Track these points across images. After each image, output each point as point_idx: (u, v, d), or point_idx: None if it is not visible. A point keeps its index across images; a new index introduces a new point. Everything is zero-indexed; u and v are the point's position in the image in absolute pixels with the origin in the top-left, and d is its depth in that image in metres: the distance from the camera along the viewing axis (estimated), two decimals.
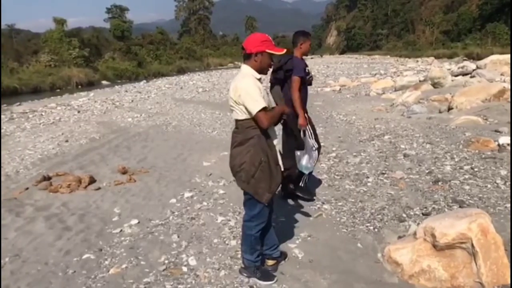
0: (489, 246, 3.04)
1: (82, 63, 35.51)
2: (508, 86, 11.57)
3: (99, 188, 5.55)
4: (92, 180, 5.76)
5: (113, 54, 43.09)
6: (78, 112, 13.55)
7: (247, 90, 2.77)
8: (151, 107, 14.40)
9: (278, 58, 4.24)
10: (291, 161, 3.81)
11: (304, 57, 4.65)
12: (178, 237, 3.96)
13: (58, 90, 27.22)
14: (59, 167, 6.70)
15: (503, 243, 3.11)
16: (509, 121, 8.52)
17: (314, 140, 4.49)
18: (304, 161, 3.91)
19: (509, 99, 10.17)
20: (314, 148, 4.14)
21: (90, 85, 30.41)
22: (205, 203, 4.82)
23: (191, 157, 7.13)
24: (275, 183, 2.93)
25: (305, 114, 4.46)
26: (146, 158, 7.19)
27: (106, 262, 3.54)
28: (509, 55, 17.48)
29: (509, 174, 5.20)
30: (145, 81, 30.70)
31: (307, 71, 4.55)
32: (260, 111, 2.75)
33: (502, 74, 15.17)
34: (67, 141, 8.80)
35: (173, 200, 4.99)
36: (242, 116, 2.84)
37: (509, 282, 2.97)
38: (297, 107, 4.32)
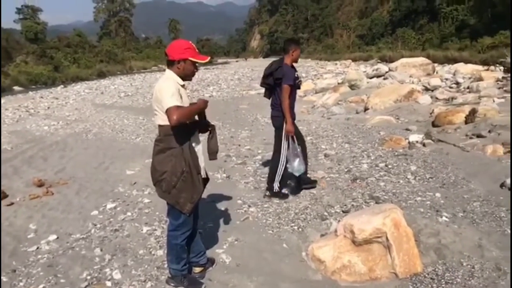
0: (401, 239, 3.28)
1: None
2: (416, 87, 12.54)
3: (11, 204, 5.15)
4: (4, 196, 5.33)
5: (26, 57, 40.17)
6: None
7: (165, 89, 2.72)
8: (70, 114, 13.66)
9: (273, 65, 4.74)
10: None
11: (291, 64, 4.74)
12: (101, 250, 3.80)
13: None
14: None
15: (413, 235, 3.38)
16: (417, 119, 9.25)
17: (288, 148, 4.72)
18: (296, 163, 4.53)
19: (418, 100, 11.02)
20: (282, 158, 4.68)
21: None
22: (129, 214, 4.67)
23: (114, 166, 6.88)
24: (197, 193, 2.91)
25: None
26: (65, 169, 6.81)
27: (21, 284, 3.31)
28: (415, 59, 18.96)
29: (418, 170, 5.64)
30: (62, 86, 29.06)
31: (296, 76, 4.72)
32: (172, 106, 2.64)
33: (410, 76, 16.42)
34: None
35: (95, 212, 4.78)
36: (164, 121, 2.79)
37: (419, 270, 3.22)
38: (286, 115, 4.59)
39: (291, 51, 4.69)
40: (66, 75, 38.94)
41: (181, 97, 2.77)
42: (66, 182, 6.01)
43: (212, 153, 3.13)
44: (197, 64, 2.90)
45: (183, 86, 2.88)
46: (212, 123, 3.15)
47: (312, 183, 5.17)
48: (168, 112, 2.65)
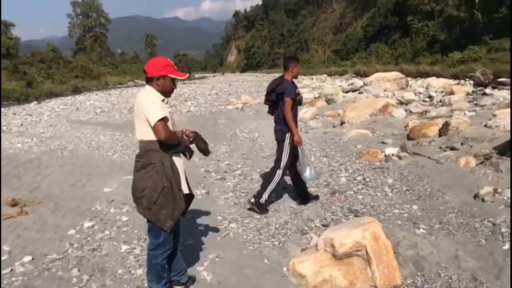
0: (380, 251, 3.33)
1: None
2: (391, 101, 12.83)
3: None
4: None
5: None
6: None
7: (149, 101, 2.77)
8: (44, 131, 13.36)
9: (274, 82, 4.97)
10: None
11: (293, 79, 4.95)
12: (79, 271, 3.71)
13: None
14: None
15: (392, 247, 3.43)
16: (393, 132, 9.44)
17: (286, 160, 4.88)
18: (307, 173, 4.71)
19: (393, 113, 11.26)
20: (280, 171, 4.84)
21: None
22: (107, 232, 4.59)
23: (90, 183, 6.75)
24: (178, 210, 2.90)
25: (289, 134, 4.81)
26: (40, 187, 6.64)
27: None
28: (389, 73, 19.42)
29: (394, 182, 5.75)
30: (36, 102, 28.43)
31: (297, 92, 4.88)
32: (159, 120, 2.71)
33: (385, 90, 16.79)
34: None
35: (72, 231, 4.66)
36: (146, 136, 2.80)
37: (399, 282, 3.27)
38: (291, 126, 4.75)
39: (291, 67, 4.86)
40: (39, 91, 38.13)
41: (161, 106, 2.80)
42: (41, 201, 5.86)
43: (203, 150, 3.12)
44: (176, 81, 2.92)
45: (163, 100, 2.89)
46: (194, 131, 3.12)
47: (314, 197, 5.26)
48: (156, 127, 2.71)
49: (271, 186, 4.87)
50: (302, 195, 5.18)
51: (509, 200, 4.66)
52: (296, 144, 4.79)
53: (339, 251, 3.33)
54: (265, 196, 4.89)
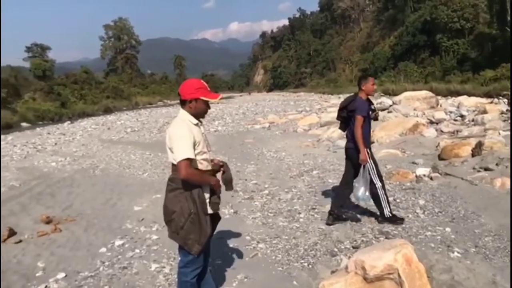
0: (413, 275, 3.23)
1: None
2: (421, 120, 12.61)
3: (20, 241, 5.14)
4: (11, 233, 5.32)
5: (34, 94, 40.89)
6: None
7: (177, 136, 2.80)
8: (77, 150, 13.77)
9: (347, 99, 5.15)
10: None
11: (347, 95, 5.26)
12: None
13: None
14: None
15: (425, 271, 3.33)
16: (424, 152, 9.25)
17: (376, 176, 4.91)
18: (360, 193, 4.73)
19: (423, 133, 11.06)
20: (378, 186, 4.86)
21: (8, 127, 28.28)
22: (137, 251, 4.65)
23: (121, 202, 6.88)
24: (204, 235, 2.89)
25: (367, 150, 4.86)
26: (72, 205, 6.81)
27: None
28: (419, 92, 19.15)
29: (426, 204, 5.61)
30: (69, 122, 29.41)
31: (373, 107, 5.11)
32: (183, 160, 2.74)
33: (415, 109, 16.53)
34: None
35: (103, 249, 4.75)
36: None
37: None
38: (359, 144, 4.79)
39: (361, 85, 4.99)
40: (72, 111, 39.51)
41: (194, 139, 2.82)
42: (74, 219, 6.01)
43: (227, 184, 3.14)
44: (209, 103, 2.96)
45: (196, 124, 2.93)
46: (223, 160, 3.18)
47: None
48: (179, 165, 2.75)
49: (383, 202, 4.91)
50: (333, 211, 5.14)
51: None
52: (361, 162, 4.81)
53: (370, 274, 3.26)
54: (386, 211, 4.91)
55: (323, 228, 5.00)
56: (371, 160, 4.90)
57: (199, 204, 2.86)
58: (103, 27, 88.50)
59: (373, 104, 5.12)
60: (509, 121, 11.29)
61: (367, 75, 5.56)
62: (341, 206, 5.19)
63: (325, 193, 6.52)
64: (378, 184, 4.89)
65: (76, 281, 3.98)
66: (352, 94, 5.23)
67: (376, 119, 5.30)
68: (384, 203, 4.91)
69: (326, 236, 4.73)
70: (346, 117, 5.08)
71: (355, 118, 4.84)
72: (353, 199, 5.24)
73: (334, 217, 5.12)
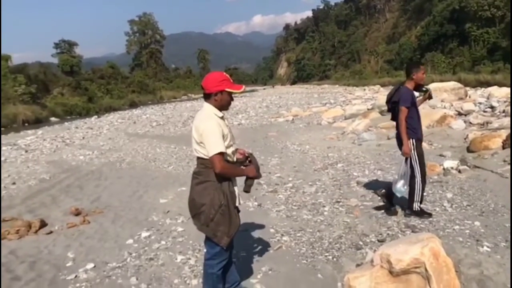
0: (441, 269, 3.17)
1: (29, 100, 34.27)
2: (449, 112, 12.32)
3: (51, 232, 5.31)
4: (43, 224, 5.50)
5: (62, 89, 41.98)
6: (26, 151, 12.95)
7: (208, 131, 2.81)
8: (104, 144, 14.06)
9: (393, 89, 4.99)
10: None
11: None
12: (137, 279, 3.84)
13: (3, 129, 25.94)
14: (5, 212, 6.34)
15: (453, 265, 3.27)
16: (451, 145, 9.04)
17: (418, 169, 4.79)
18: (399, 185, 4.66)
19: (451, 125, 10.82)
20: (417, 179, 4.75)
21: (38, 122, 29.21)
22: (163, 242, 4.72)
23: (147, 194, 7.00)
24: (234, 227, 2.92)
25: (413, 142, 4.77)
26: (100, 198, 6.98)
27: None
28: (447, 83, 18.70)
29: (454, 197, 5.49)
30: (96, 116, 30.04)
31: (424, 89, 4.99)
32: (216, 154, 2.77)
33: (442, 101, 16.14)
34: (14, 183, 8.37)
35: (130, 241, 4.85)
36: (206, 155, 2.85)
37: None
38: (402, 136, 4.74)
39: (412, 74, 4.81)
40: (99, 106, 40.40)
41: (223, 132, 2.85)
42: (102, 211, 6.15)
43: (256, 171, 3.11)
44: (233, 94, 2.97)
45: (222, 117, 2.95)
46: (249, 151, 3.19)
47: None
48: (212, 160, 2.78)
49: (416, 196, 4.82)
50: (388, 195, 5.09)
51: None
52: (403, 155, 4.75)
53: (396, 267, 3.22)
54: (416, 205, 4.84)
55: (348, 221, 4.96)
56: (415, 153, 4.78)
57: (229, 195, 2.89)
58: (128, 22, 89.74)
59: (422, 85, 4.93)
60: None
61: (418, 63, 5.36)
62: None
63: (350, 186, 6.46)
64: (418, 178, 4.76)
65: (104, 271, 4.07)
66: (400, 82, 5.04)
67: (430, 97, 5.11)
68: (416, 197, 4.81)
69: (351, 229, 4.69)
70: (391, 108, 4.97)
71: (399, 109, 4.72)
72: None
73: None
